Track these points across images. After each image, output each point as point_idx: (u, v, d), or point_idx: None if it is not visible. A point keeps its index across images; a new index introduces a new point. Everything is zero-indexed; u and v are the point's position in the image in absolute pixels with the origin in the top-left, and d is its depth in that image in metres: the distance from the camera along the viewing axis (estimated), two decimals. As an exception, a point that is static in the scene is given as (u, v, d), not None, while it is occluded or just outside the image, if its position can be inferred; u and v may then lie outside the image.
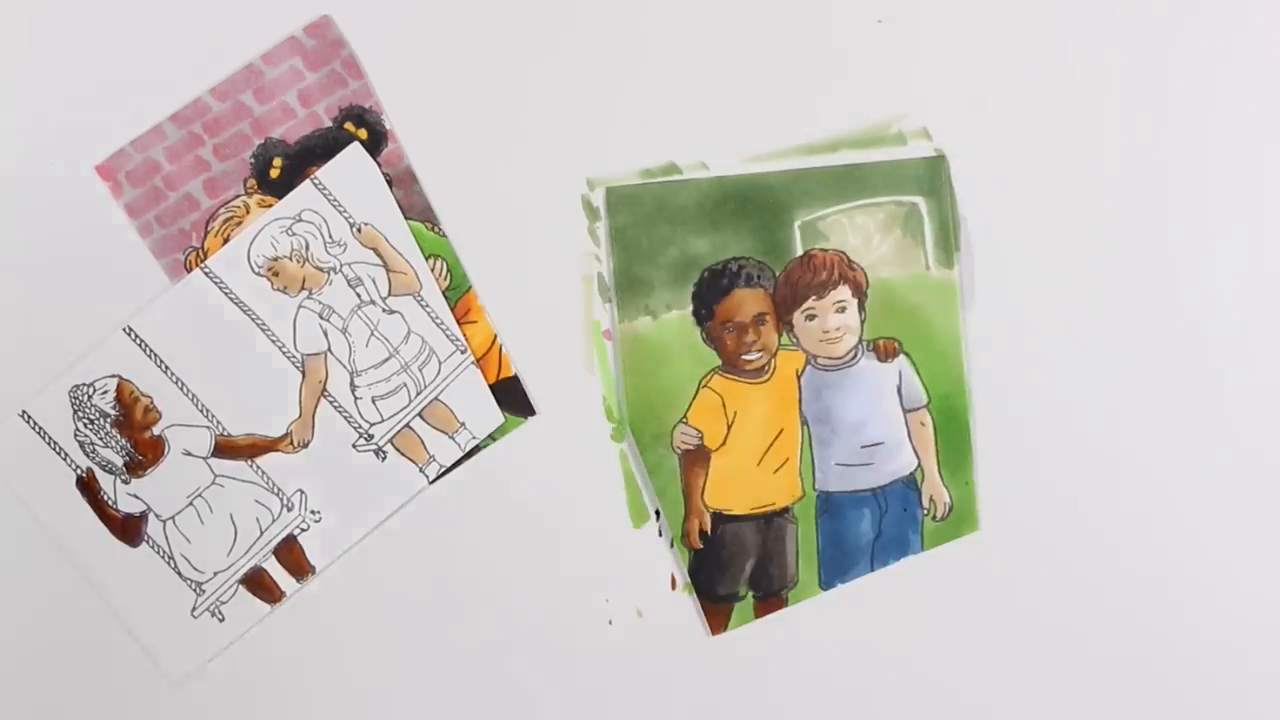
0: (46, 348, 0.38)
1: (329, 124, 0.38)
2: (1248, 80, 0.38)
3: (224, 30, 0.38)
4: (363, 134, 0.38)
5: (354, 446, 0.38)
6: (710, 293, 0.38)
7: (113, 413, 0.37)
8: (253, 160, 0.38)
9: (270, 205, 0.38)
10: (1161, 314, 0.39)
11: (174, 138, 0.38)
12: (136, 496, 0.38)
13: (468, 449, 0.38)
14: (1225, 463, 0.38)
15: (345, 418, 0.38)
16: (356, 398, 0.38)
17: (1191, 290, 0.39)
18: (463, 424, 0.38)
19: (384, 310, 0.38)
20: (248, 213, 0.38)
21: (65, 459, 0.37)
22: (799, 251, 0.38)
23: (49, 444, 0.37)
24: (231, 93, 0.38)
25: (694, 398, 0.38)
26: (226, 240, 0.38)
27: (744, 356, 0.38)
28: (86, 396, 0.37)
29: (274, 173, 0.38)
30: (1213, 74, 0.38)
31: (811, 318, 0.38)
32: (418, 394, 0.38)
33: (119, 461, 0.37)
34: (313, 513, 0.38)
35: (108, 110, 0.38)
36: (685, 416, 0.39)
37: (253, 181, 0.38)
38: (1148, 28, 0.38)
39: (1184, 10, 0.38)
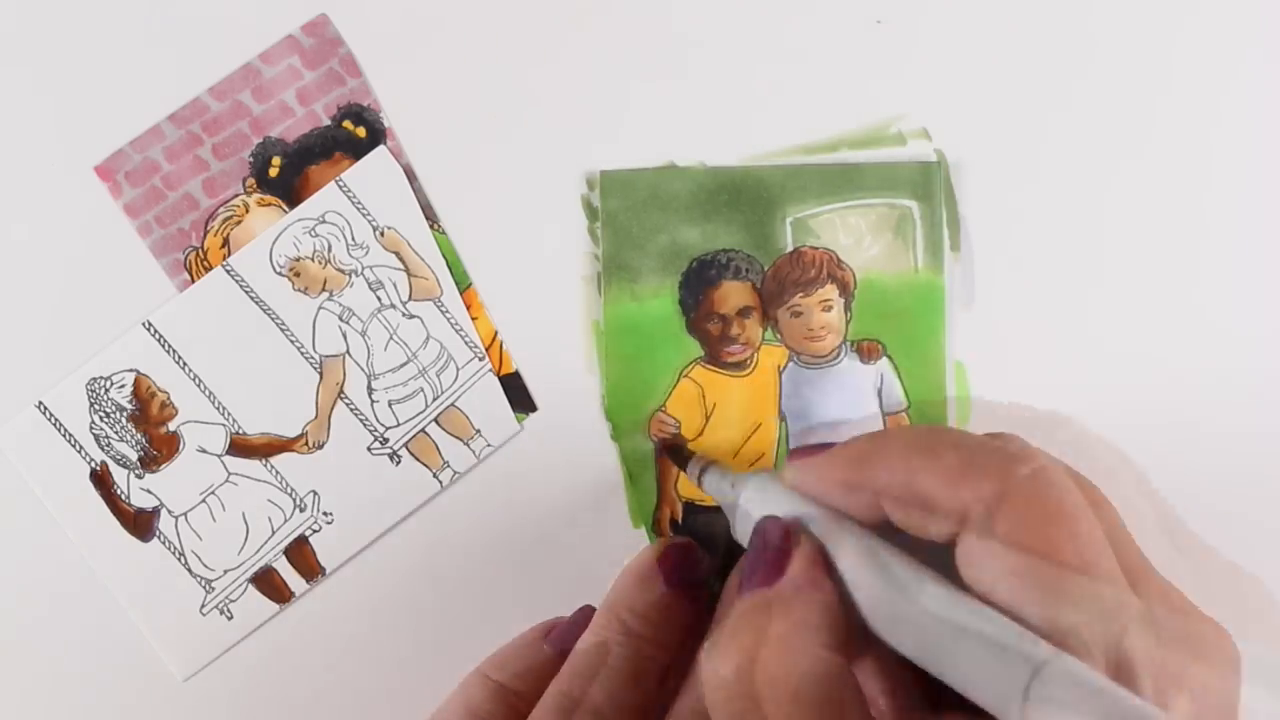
0: (47, 346, 0.38)
1: (327, 122, 0.38)
2: (1252, 79, 0.39)
3: (222, 29, 0.38)
4: (361, 132, 0.38)
5: (369, 449, 0.38)
6: (697, 283, 0.38)
7: (129, 407, 0.37)
8: (251, 159, 0.38)
9: (269, 204, 0.38)
10: (1161, 322, 0.39)
11: (173, 137, 0.38)
12: (150, 491, 0.37)
13: (484, 457, 0.39)
14: (1230, 473, 0.38)
15: (361, 420, 0.38)
16: (373, 401, 0.38)
17: (1193, 295, 0.39)
18: (478, 431, 0.38)
19: (404, 314, 0.38)
20: (247, 212, 0.38)
21: (80, 452, 0.37)
22: (789, 247, 0.38)
23: (64, 436, 0.37)
24: (230, 92, 0.38)
25: (674, 386, 0.38)
26: (226, 240, 0.38)
27: (727, 349, 0.38)
28: (104, 390, 0.37)
29: (273, 171, 0.38)
30: (1216, 74, 0.39)
31: (797, 314, 0.38)
32: (434, 399, 0.38)
33: (134, 456, 0.37)
34: (325, 514, 0.38)
35: (106, 110, 0.38)
36: (664, 405, 0.39)
37: (252, 181, 0.38)
38: (1150, 27, 0.39)
39: (1187, 10, 0.39)
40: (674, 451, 0.38)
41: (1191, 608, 0.25)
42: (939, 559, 0.25)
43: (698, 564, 0.34)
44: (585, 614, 0.34)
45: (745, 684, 0.25)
